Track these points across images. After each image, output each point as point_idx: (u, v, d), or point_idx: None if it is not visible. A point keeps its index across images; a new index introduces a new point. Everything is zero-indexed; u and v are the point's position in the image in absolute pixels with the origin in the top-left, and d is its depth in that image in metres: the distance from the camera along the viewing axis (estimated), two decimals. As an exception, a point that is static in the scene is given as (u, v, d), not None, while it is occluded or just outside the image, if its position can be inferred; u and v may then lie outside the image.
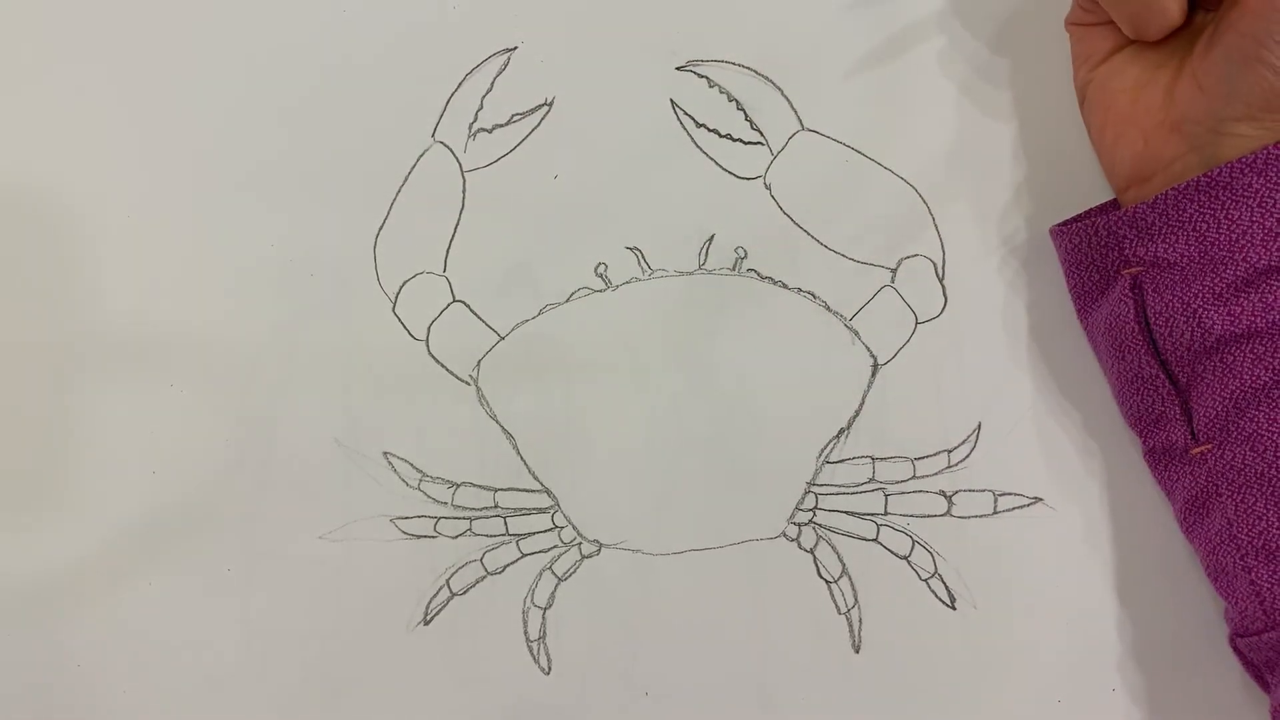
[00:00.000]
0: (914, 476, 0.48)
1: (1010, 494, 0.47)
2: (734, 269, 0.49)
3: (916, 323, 0.48)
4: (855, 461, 0.48)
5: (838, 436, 0.48)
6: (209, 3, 0.50)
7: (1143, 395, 0.44)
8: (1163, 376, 0.43)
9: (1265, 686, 0.43)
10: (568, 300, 0.49)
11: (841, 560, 0.48)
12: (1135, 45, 0.44)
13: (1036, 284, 0.48)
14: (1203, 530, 0.44)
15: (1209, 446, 0.42)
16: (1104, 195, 0.48)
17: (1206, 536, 0.43)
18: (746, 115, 0.49)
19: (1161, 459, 0.45)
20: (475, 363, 0.49)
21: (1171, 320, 0.42)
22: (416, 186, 0.49)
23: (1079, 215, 0.46)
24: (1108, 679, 0.46)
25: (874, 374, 0.48)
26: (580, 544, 0.48)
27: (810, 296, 0.49)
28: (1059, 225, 0.46)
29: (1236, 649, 0.44)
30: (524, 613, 0.48)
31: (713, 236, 0.49)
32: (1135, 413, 0.45)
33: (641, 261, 0.49)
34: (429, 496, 0.48)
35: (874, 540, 0.48)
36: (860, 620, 0.47)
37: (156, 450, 0.48)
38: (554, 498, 0.48)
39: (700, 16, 0.49)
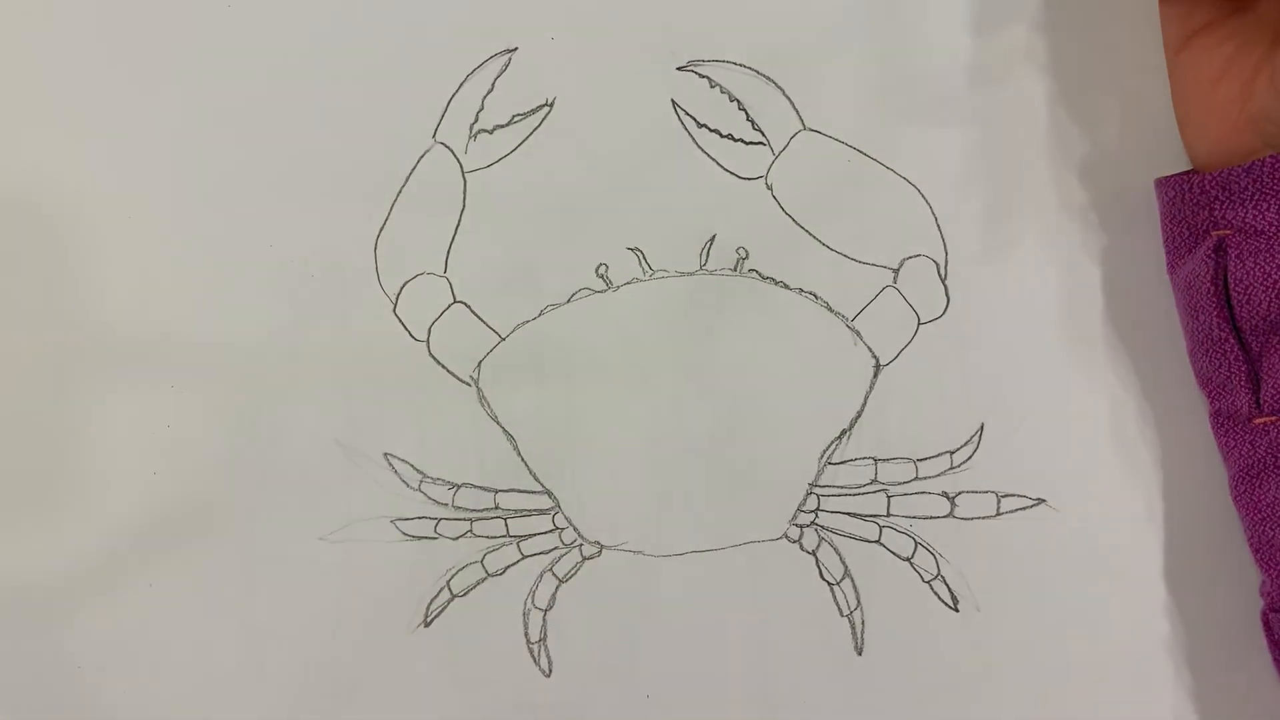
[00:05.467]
0: (916, 478, 0.47)
1: (1013, 495, 0.47)
2: (735, 269, 0.49)
3: (919, 323, 0.48)
4: (857, 463, 0.48)
5: (840, 438, 0.48)
6: (210, 3, 0.50)
7: (1212, 357, 0.44)
8: (1233, 341, 0.43)
9: None
10: (569, 301, 0.49)
11: (844, 562, 0.47)
12: (1215, 34, 0.44)
13: (1039, 284, 0.48)
14: (1253, 500, 0.44)
15: (1273, 419, 0.42)
16: (1108, 193, 0.48)
17: (1256, 507, 0.43)
18: (748, 115, 0.49)
19: (1224, 423, 0.45)
20: (476, 364, 0.49)
21: (1251, 288, 0.42)
22: (417, 187, 0.49)
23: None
24: (1111, 680, 0.46)
25: (876, 375, 0.48)
26: (581, 545, 0.48)
27: (812, 297, 0.48)
28: (1162, 178, 0.45)
29: (1268, 624, 0.44)
30: (525, 614, 0.48)
31: (714, 237, 0.49)
32: (1204, 373, 0.45)
33: (643, 262, 0.49)
34: (429, 498, 0.48)
35: (876, 542, 0.47)
36: (863, 622, 0.47)
37: (156, 450, 0.48)
38: (555, 499, 0.48)
39: (701, 16, 0.49)
